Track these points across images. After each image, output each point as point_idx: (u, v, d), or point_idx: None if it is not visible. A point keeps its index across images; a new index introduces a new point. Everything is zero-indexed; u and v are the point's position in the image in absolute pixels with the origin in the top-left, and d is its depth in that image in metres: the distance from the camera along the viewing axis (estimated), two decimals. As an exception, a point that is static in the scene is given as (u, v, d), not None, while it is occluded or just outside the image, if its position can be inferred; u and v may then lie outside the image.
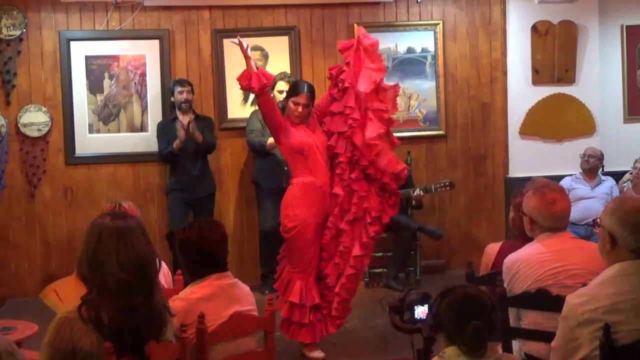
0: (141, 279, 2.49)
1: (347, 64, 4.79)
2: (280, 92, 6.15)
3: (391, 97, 4.84)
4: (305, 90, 4.83)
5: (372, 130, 4.66)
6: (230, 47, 6.73)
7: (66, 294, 3.27)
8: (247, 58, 4.66)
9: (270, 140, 5.87)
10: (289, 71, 6.65)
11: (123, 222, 2.55)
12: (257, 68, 4.77)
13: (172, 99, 6.38)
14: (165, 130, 6.34)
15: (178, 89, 6.32)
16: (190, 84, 6.40)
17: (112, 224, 2.52)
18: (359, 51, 4.75)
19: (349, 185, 4.73)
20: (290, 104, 4.83)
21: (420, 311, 2.66)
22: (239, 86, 4.79)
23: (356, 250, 4.76)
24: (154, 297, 2.54)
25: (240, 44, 4.69)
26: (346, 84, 4.73)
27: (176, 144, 6.16)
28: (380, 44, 6.77)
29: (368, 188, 4.75)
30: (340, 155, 4.76)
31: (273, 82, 6.20)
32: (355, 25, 6.85)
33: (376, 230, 4.83)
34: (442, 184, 6.47)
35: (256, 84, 4.60)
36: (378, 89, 4.77)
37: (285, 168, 6.21)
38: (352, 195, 4.74)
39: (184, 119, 6.28)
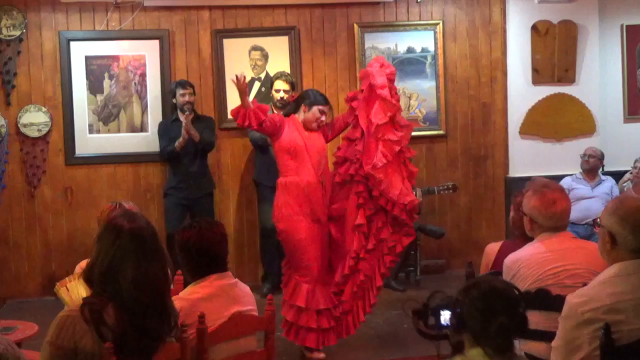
0: (155, 300, 2.48)
1: (361, 91, 4.82)
2: (277, 90, 6.20)
3: (405, 134, 4.79)
4: (328, 101, 4.98)
5: (377, 160, 4.65)
6: (230, 47, 6.76)
7: (76, 294, 3.26)
8: (243, 94, 4.66)
9: None
10: (288, 71, 6.65)
11: (137, 226, 2.51)
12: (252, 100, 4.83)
13: (174, 100, 6.37)
14: (167, 130, 6.34)
15: (180, 91, 6.30)
16: (192, 86, 6.40)
17: (129, 227, 2.49)
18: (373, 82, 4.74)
19: (370, 216, 4.75)
20: (316, 111, 4.87)
21: (447, 316, 2.45)
22: (235, 123, 4.82)
23: (378, 281, 4.82)
24: (167, 314, 2.53)
25: (237, 82, 4.67)
26: (355, 113, 4.81)
27: (179, 142, 6.16)
28: (380, 44, 6.88)
29: (385, 219, 4.75)
30: (360, 184, 4.76)
31: (270, 82, 6.27)
32: (355, 25, 6.86)
33: (391, 260, 4.87)
34: (445, 187, 6.47)
35: (254, 122, 4.66)
36: (394, 122, 4.75)
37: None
38: (370, 226, 4.76)
39: (187, 117, 6.27)
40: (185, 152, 6.26)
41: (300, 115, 4.91)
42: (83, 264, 3.60)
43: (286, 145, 4.80)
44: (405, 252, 6.53)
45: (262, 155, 6.40)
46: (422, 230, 6.57)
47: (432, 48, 6.98)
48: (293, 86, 6.32)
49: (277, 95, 6.20)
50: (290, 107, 5.12)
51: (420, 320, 2.55)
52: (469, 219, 7.15)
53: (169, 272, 2.61)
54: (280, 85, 6.20)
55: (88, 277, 2.52)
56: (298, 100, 5.04)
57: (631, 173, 6.46)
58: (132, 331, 2.42)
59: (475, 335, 2.19)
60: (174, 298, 2.99)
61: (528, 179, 3.79)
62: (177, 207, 6.31)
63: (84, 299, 2.48)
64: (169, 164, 6.48)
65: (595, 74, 7.09)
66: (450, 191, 6.50)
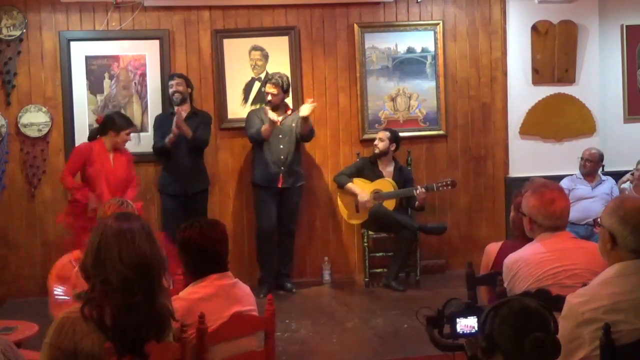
0: (142, 276, 2.49)
1: None
2: (267, 94, 6.37)
3: None
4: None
5: None
6: (230, 47, 6.76)
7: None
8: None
9: (264, 126, 6.19)
10: (288, 71, 6.65)
11: (127, 223, 2.56)
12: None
13: (170, 92, 6.40)
14: (162, 123, 6.32)
15: (169, 82, 6.36)
16: (182, 77, 6.40)
17: (116, 224, 2.53)
18: None
19: None
20: (124, 136, 5.78)
21: (463, 324, 2.34)
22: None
23: None
24: (156, 297, 2.54)
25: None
26: None
27: (169, 138, 6.15)
28: (380, 44, 6.89)
29: None
30: None
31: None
32: (355, 25, 6.86)
33: None
34: (444, 183, 6.47)
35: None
36: None
37: (282, 168, 6.30)
38: None
39: (178, 111, 6.27)
40: (178, 149, 6.23)
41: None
42: (59, 263, 3.92)
43: None
44: (406, 252, 6.54)
45: (260, 157, 6.40)
46: (423, 230, 6.56)
47: (432, 48, 6.98)
48: (283, 88, 6.33)
49: (266, 98, 6.35)
50: None
51: (435, 329, 2.47)
52: (469, 219, 7.14)
53: (163, 257, 2.62)
54: (268, 88, 6.35)
55: (84, 273, 2.54)
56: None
57: (632, 174, 6.44)
58: (122, 313, 2.43)
59: (508, 356, 2.03)
60: (174, 298, 3.00)
61: (528, 179, 3.79)
62: (174, 209, 6.27)
63: (83, 297, 2.49)
64: (162, 160, 6.44)
65: (595, 74, 7.09)
66: (449, 187, 6.49)
